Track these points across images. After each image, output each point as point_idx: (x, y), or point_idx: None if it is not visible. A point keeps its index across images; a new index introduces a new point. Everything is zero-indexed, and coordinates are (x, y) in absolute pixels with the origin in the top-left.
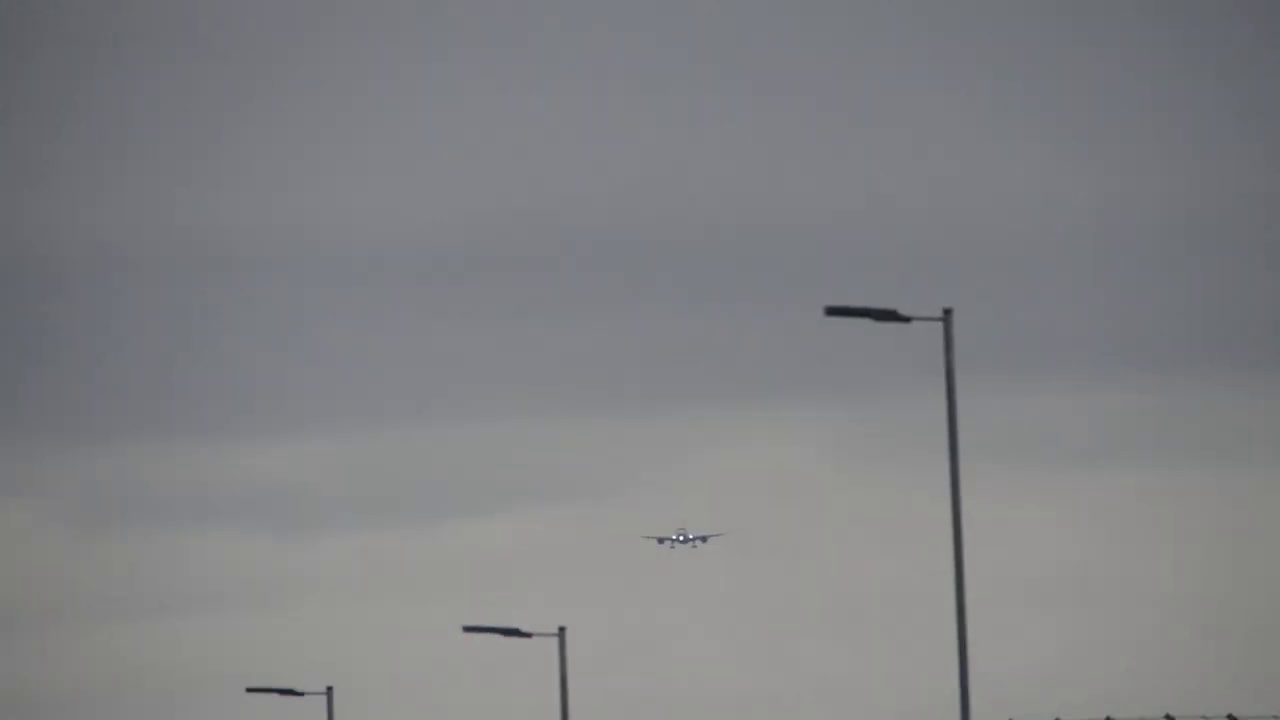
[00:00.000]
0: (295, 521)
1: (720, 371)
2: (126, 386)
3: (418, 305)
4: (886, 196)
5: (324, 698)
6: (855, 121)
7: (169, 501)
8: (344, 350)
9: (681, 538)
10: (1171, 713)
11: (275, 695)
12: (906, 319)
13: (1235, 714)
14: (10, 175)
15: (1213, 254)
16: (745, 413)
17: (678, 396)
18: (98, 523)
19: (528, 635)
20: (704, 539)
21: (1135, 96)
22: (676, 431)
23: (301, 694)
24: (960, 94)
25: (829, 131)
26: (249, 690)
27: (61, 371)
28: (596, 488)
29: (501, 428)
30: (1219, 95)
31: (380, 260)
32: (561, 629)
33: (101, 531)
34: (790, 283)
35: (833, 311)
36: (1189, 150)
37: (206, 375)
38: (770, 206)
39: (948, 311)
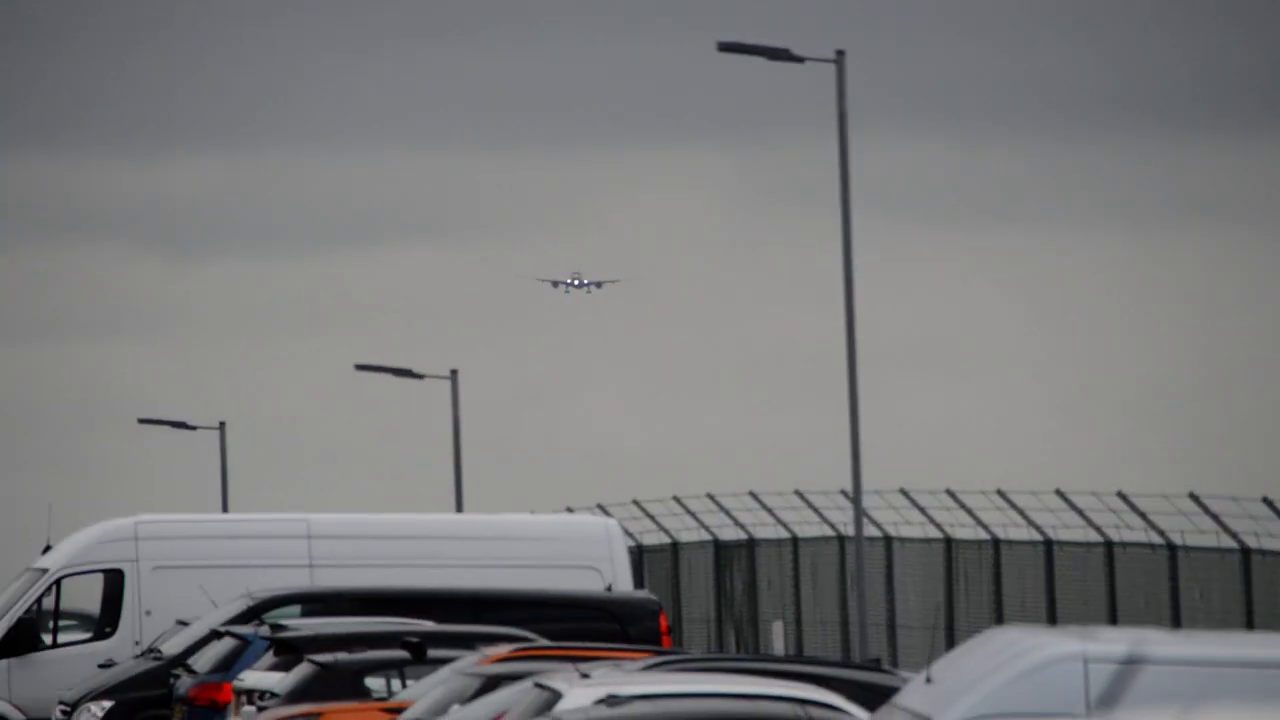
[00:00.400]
0: (185, 245)
1: (612, 110)
2: (14, 95)
3: (322, 24)
4: None
5: (217, 432)
6: None
7: (56, 216)
8: (246, 66)
9: (576, 282)
10: (1062, 488)
11: (167, 427)
12: (800, 59)
13: (1125, 491)
14: None
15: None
16: (638, 156)
17: (572, 136)
18: None
19: (420, 376)
20: (599, 284)
21: None
22: (569, 173)
23: (194, 428)
24: None
25: None
26: (140, 421)
27: None
28: (488, 225)
29: (396, 159)
30: None
31: None
32: (454, 371)
33: None
34: (682, 18)
35: (725, 47)
36: None
37: (102, 86)
38: None
39: (840, 53)
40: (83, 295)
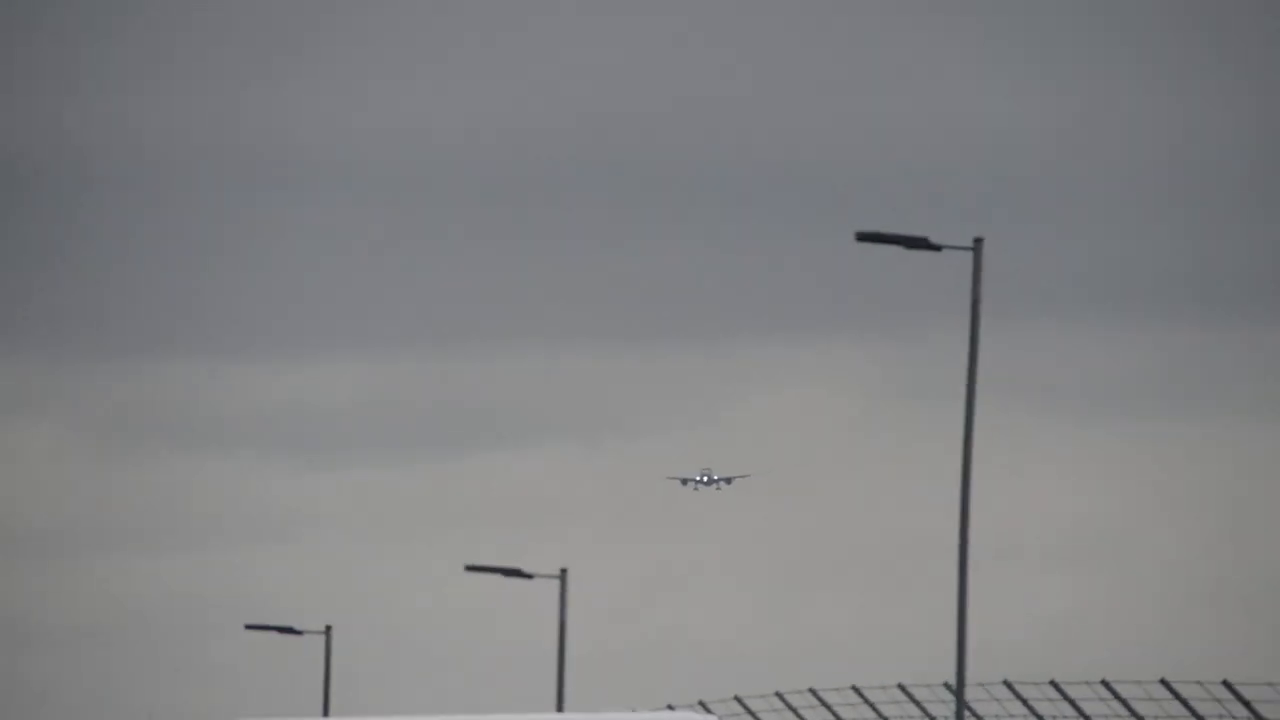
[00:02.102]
0: (302, 453)
1: (748, 304)
2: (140, 303)
3: (444, 229)
4: (919, 121)
5: (323, 637)
6: (883, 42)
7: (177, 425)
8: (368, 273)
9: (706, 478)
10: (1168, 678)
11: (274, 633)
12: (938, 247)
13: (1231, 680)
14: (31, 78)
15: (1264, 189)
16: (773, 349)
17: (702, 331)
18: (102, 447)
19: (529, 576)
20: (729, 480)
21: (1179, 16)
22: (703, 368)
23: (300, 632)
24: (995, 15)
25: (856, 53)
26: (247, 627)
27: (76, 285)
28: (620, 424)
29: (523, 360)
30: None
31: (407, 177)
32: (563, 570)
33: (106, 457)
34: (819, 212)
35: (863, 237)
36: (1240, 77)
37: (224, 293)
38: (800, 133)
39: (978, 240)
40: (198, 506)
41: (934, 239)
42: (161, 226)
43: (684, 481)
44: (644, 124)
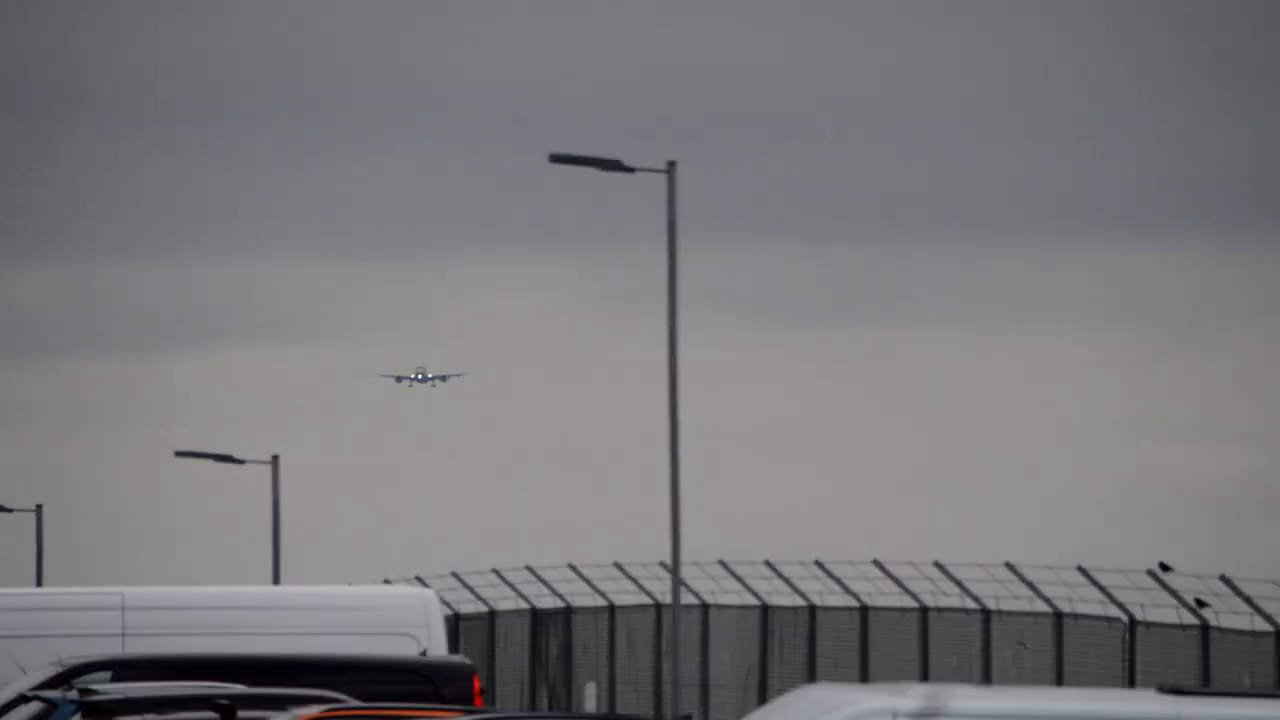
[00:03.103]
0: (16, 345)
1: (454, 221)
2: None
3: (157, 140)
4: (618, 51)
5: (33, 515)
6: None
7: None
8: (76, 182)
9: (420, 376)
10: (880, 559)
11: None
12: (630, 169)
13: (941, 561)
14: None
15: (958, 116)
16: (481, 264)
17: (417, 243)
18: None
19: (241, 461)
20: (443, 378)
21: None
22: (414, 280)
23: (10, 510)
24: None
25: None
26: None
27: None
28: (330, 327)
29: (239, 264)
30: None
31: (116, 97)
32: (275, 456)
33: None
34: (518, 135)
35: (557, 159)
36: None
37: None
38: (503, 61)
39: (671, 164)
40: None
41: (627, 161)
42: None
43: (398, 379)
44: (347, 48)
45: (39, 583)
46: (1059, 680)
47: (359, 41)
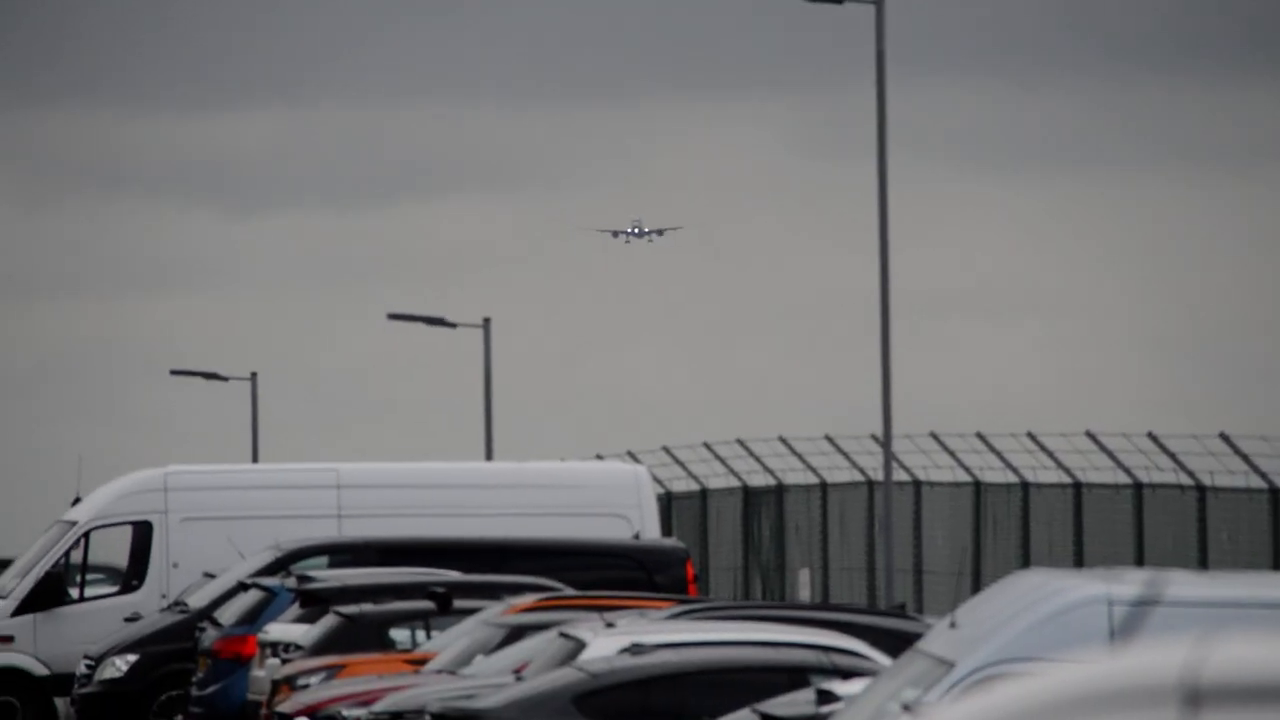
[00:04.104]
0: (222, 201)
1: (650, 60)
2: (61, 50)
3: None
4: None
5: (248, 383)
6: None
7: (98, 173)
8: (290, 21)
9: (637, 230)
10: (1093, 430)
11: (199, 379)
12: (839, 0)
13: (1155, 432)
14: None
15: None
16: (687, 103)
17: (625, 86)
18: (23, 194)
19: (453, 325)
20: (660, 232)
21: None
22: (622, 122)
23: (226, 379)
24: None
25: None
26: (173, 373)
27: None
28: (543, 178)
29: (443, 114)
30: None
31: None
32: (486, 320)
33: (28, 204)
34: None
35: None
36: None
37: (145, 40)
38: None
39: None
40: (123, 250)
41: None
42: None
43: (614, 234)
44: None
45: (255, 455)
46: (1276, 564)
47: None
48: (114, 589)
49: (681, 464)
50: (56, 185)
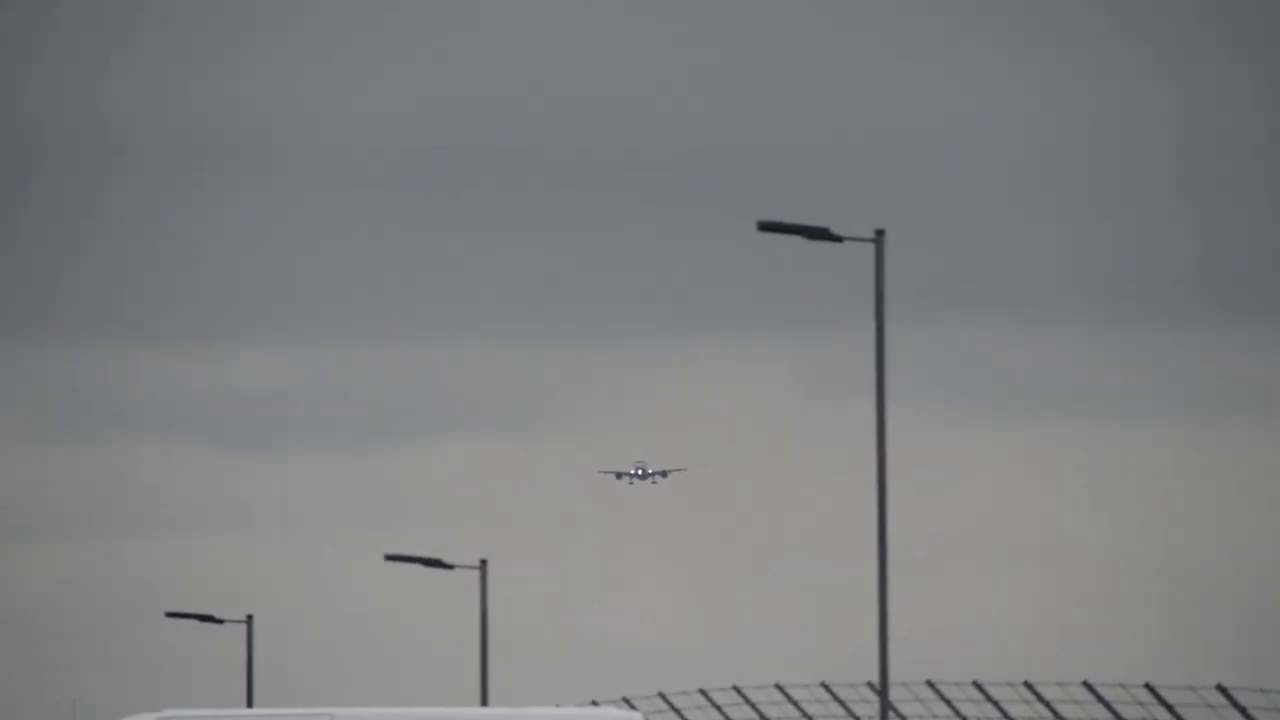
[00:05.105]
0: (224, 440)
1: (659, 299)
2: (65, 286)
3: (371, 217)
4: (824, 111)
5: (244, 626)
6: (777, 33)
7: (101, 411)
8: (295, 260)
9: (640, 472)
10: (1090, 680)
11: (195, 621)
12: (839, 238)
13: (1153, 683)
14: None
15: (1189, 184)
16: (689, 342)
17: (619, 327)
18: (24, 431)
19: (450, 567)
20: (664, 474)
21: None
22: (625, 363)
23: (221, 621)
24: (897, 4)
25: (764, 49)
26: (168, 615)
27: (3, 266)
28: (549, 416)
29: (451, 351)
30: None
31: (333, 164)
32: (483, 561)
33: (30, 441)
34: (722, 206)
35: (765, 227)
36: (1169, 62)
37: (151, 278)
38: (705, 127)
39: (880, 232)
40: (119, 490)
41: (836, 230)
42: (88, 209)
43: (618, 475)
44: (559, 120)
45: (249, 699)
46: None
47: (562, 113)
48: None
49: (677, 710)
50: (53, 423)
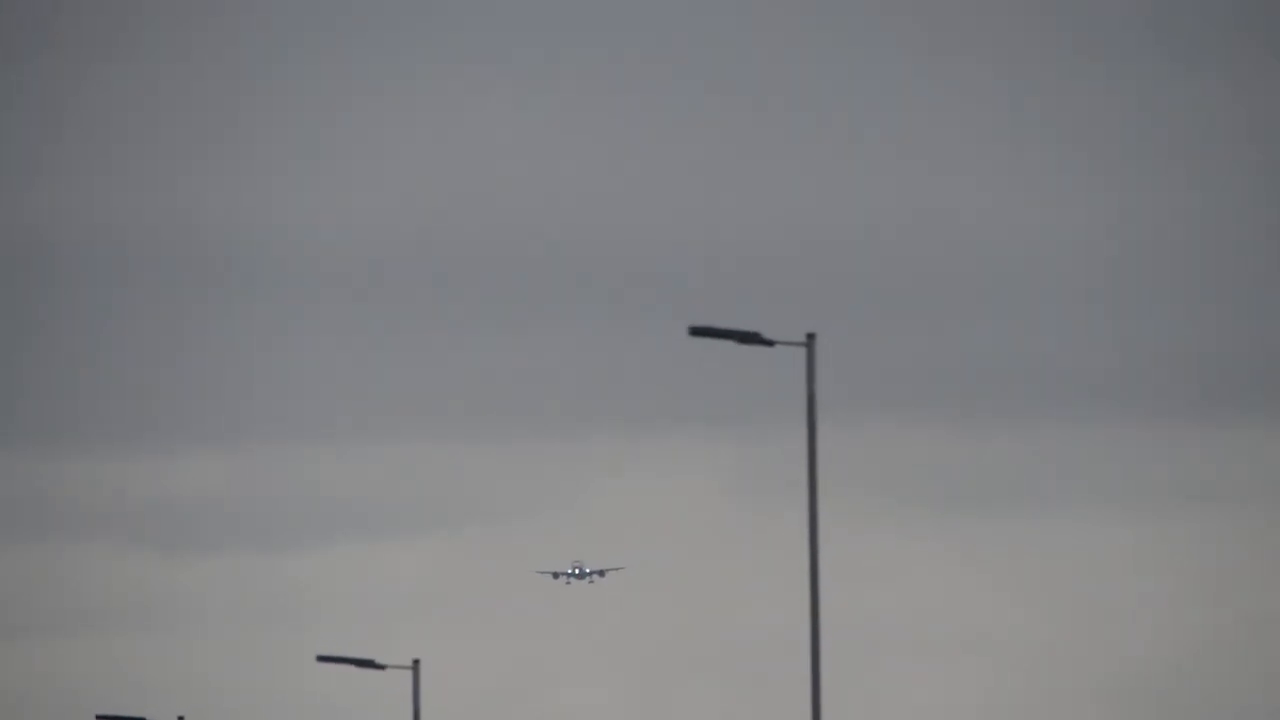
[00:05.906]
0: (158, 543)
1: (593, 399)
2: (5, 392)
3: (298, 324)
4: (762, 222)
5: None
6: (711, 141)
7: (33, 514)
8: (225, 366)
9: (578, 571)
10: None
11: None
12: (770, 342)
13: None
14: None
15: (1110, 284)
16: (622, 442)
17: (562, 425)
18: None
19: (381, 667)
20: (601, 573)
21: (1018, 112)
22: (556, 460)
23: None
24: (827, 111)
25: (688, 152)
26: (99, 718)
27: None
28: (483, 515)
29: (379, 452)
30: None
31: (259, 273)
32: (416, 661)
33: None
34: (654, 309)
35: (696, 332)
36: (1093, 169)
37: (83, 385)
38: (638, 233)
39: (811, 336)
40: (47, 593)
41: (767, 334)
42: (25, 316)
43: (555, 575)
44: (492, 227)
45: None
46: None
47: (501, 227)
48: None
49: None
50: None
